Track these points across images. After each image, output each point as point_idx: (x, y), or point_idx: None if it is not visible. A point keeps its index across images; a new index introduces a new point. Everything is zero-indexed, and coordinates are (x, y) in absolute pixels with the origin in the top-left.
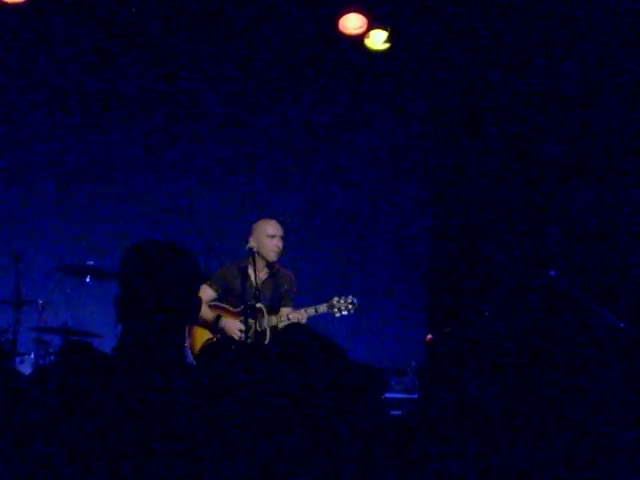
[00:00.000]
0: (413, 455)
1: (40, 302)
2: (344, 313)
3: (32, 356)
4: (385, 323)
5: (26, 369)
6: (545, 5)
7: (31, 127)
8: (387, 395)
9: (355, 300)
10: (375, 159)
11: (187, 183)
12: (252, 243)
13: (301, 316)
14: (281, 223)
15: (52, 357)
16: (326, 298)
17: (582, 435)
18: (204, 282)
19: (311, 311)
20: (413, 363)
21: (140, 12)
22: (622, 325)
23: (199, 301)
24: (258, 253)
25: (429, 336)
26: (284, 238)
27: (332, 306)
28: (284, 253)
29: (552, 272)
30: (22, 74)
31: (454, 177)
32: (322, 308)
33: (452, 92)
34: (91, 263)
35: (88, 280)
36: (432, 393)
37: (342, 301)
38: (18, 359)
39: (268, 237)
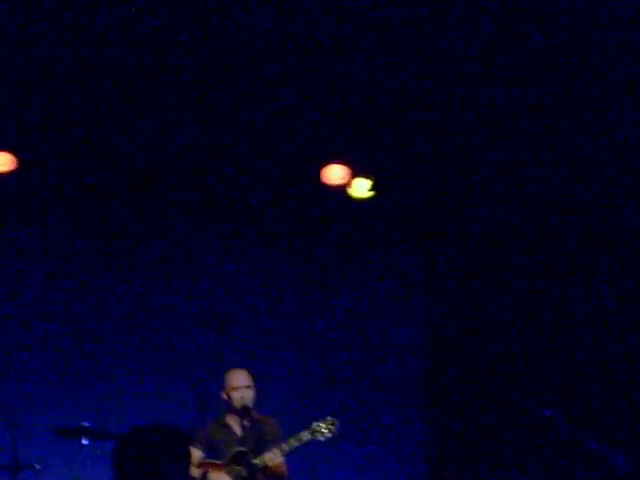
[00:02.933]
0: None
1: (37, 467)
2: (328, 435)
3: None
4: (382, 460)
5: None
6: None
7: (28, 282)
8: None
9: (335, 420)
10: (367, 299)
11: (181, 339)
12: (224, 395)
13: (286, 449)
14: (249, 372)
15: None
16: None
17: None
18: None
19: (294, 442)
20: None
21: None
22: (621, 461)
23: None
24: (231, 405)
25: None
26: (250, 387)
27: (314, 431)
28: (260, 397)
29: (547, 411)
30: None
31: (450, 311)
32: (305, 436)
33: (441, 234)
34: (87, 424)
35: (85, 441)
36: None
37: (322, 423)
38: None
39: (233, 389)
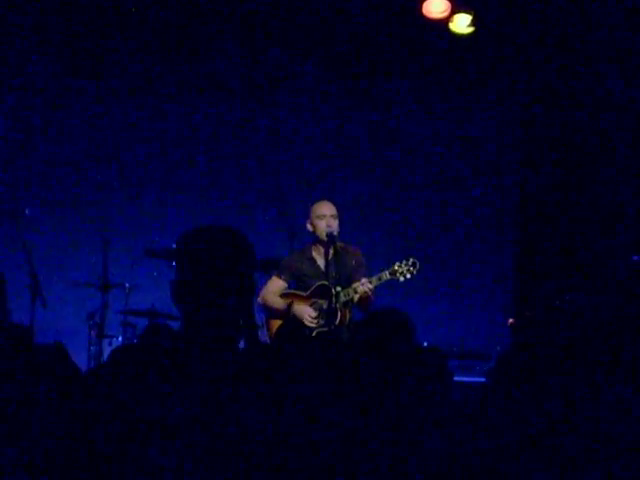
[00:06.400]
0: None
1: (127, 285)
2: (408, 276)
3: (120, 339)
4: (470, 304)
5: None
6: None
7: (114, 116)
8: (468, 379)
9: (416, 261)
10: (461, 143)
11: (271, 168)
12: (309, 226)
13: (367, 287)
14: (334, 203)
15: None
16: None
17: None
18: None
19: (375, 281)
20: (498, 348)
21: None
22: None
23: (254, 283)
24: (316, 235)
25: (511, 320)
26: (336, 217)
27: (394, 272)
28: (343, 230)
29: (635, 257)
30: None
31: (544, 161)
32: (385, 276)
33: (539, 75)
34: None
35: (174, 263)
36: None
37: (403, 265)
38: (106, 341)
39: (318, 218)
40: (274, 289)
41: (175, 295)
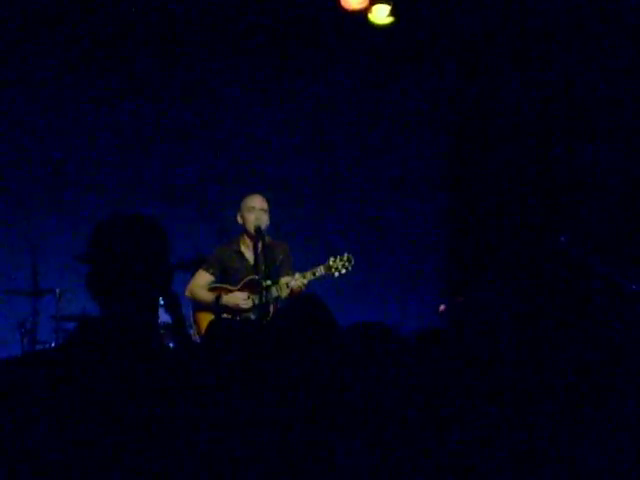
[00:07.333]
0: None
1: (58, 291)
2: (342, 272)
3: (53, 345)
4: (401, 291)
5: None
6: None
7: (44, 120)
8: None
9: (351, 257)
10: (383, 130)
11: (199, 167)
12: (239, 219)
13: (301, 282)
14: (265, 197)
15: None
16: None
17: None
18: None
19: (309, 275)
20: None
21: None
22: (635, 288)
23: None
24: (245, 229)
25: (442, 306)
26: (266, 211)
27: (329, 267)
28: (276, 225)
29: (562, 237)
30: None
31: (471, 157)
32: (319, 271)
33: (460, 65)
34: None
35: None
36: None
37: (338, 260)
38: (39, 348)
39: (248, 210)
40: (201, 282)
41: (90, 287)
